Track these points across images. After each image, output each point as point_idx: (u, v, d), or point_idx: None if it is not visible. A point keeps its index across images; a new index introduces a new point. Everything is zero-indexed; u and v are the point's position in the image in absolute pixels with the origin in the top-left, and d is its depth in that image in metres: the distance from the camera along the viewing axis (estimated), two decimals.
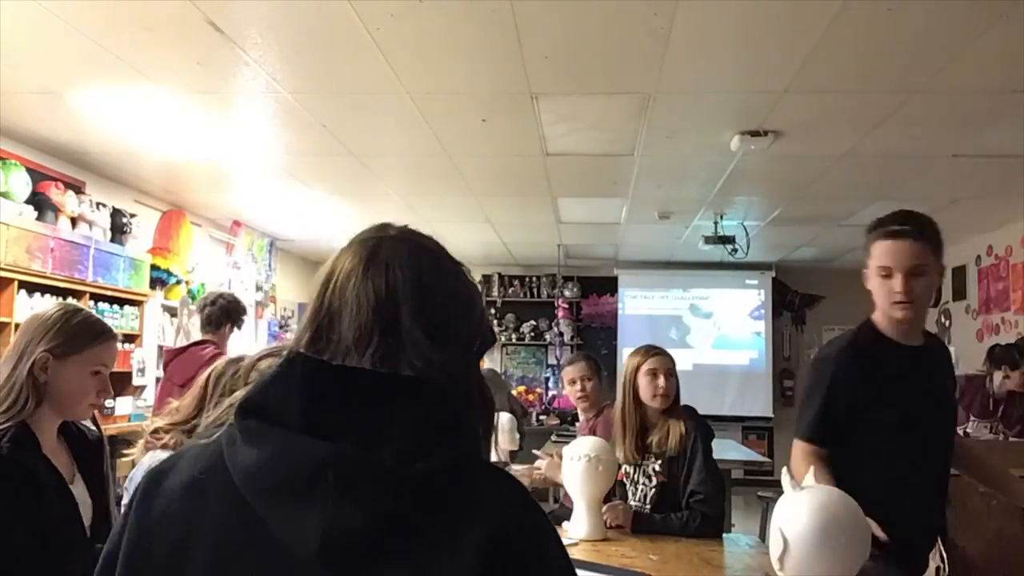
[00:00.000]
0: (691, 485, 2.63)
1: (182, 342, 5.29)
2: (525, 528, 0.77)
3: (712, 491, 2.59)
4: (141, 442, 2.01)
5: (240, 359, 1.93)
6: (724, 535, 2.60)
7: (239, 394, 0.79)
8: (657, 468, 2.69)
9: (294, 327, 8.83)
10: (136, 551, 0.79)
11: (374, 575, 0.71)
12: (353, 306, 0.80)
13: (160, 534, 0.78)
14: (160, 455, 1.85)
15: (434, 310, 0.82)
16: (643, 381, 2.76)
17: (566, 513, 2.77)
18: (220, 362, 2.04)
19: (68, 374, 1.71)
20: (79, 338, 1.73)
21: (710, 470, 2.64)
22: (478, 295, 0.91)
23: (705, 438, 2.71)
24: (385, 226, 0.88)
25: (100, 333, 1.77)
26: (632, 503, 2.72)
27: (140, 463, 1.98)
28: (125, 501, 2.03)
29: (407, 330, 0.79)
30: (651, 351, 2.84)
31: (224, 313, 3.62)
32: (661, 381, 2.74)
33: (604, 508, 2.59)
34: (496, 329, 9.35)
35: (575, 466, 2.51)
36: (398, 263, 0.82)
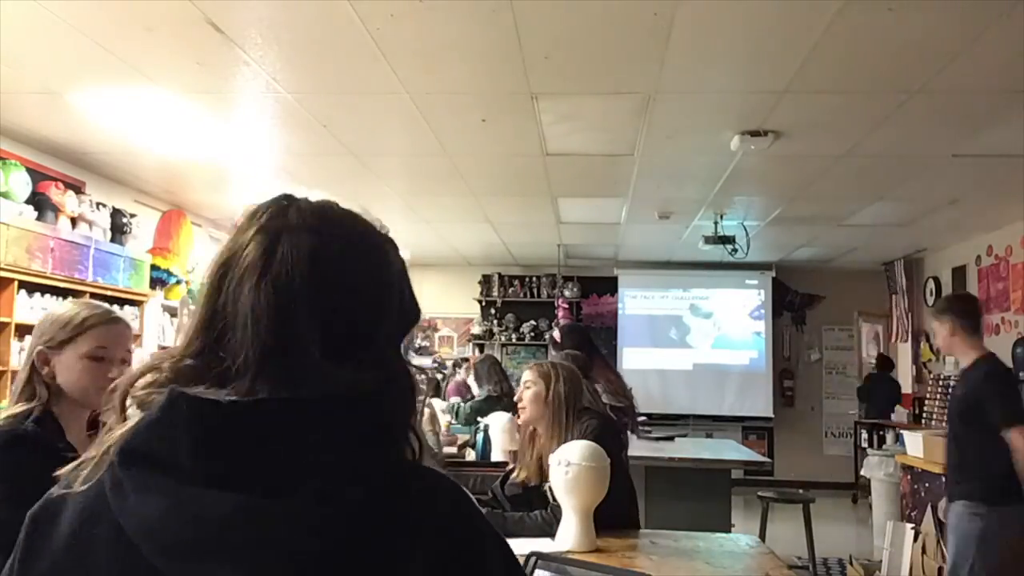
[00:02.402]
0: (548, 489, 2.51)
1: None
2: (466, 548, 0.70)
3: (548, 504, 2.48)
4: None
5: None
6: (724, 535, 2.59)
7: (116, 433, 0.68)
8: (523, 475, 2.66)
9: None
10: None
11: None
12: (247, 319, 0.68)
13: None
14: None
15: (342, 320, 0.71)
16: None
17: None
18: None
19: (67, 364, 1.73)
20: (69, 328, 1.75)
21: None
22: (397, 276, 0.78)
23: (592, 433, 2.56)
24: (286, 205, 0.75)
25: (88, 318, 1.77)
26: None
27: None
28: None
29: (308, 348, 0.69)
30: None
31: None
32: (517, 395, 2.72)
33: None
34: (496, 329, 9.35)
35: (559, 473, 2.32)
36: (298, 264, 0.70)
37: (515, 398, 2.79)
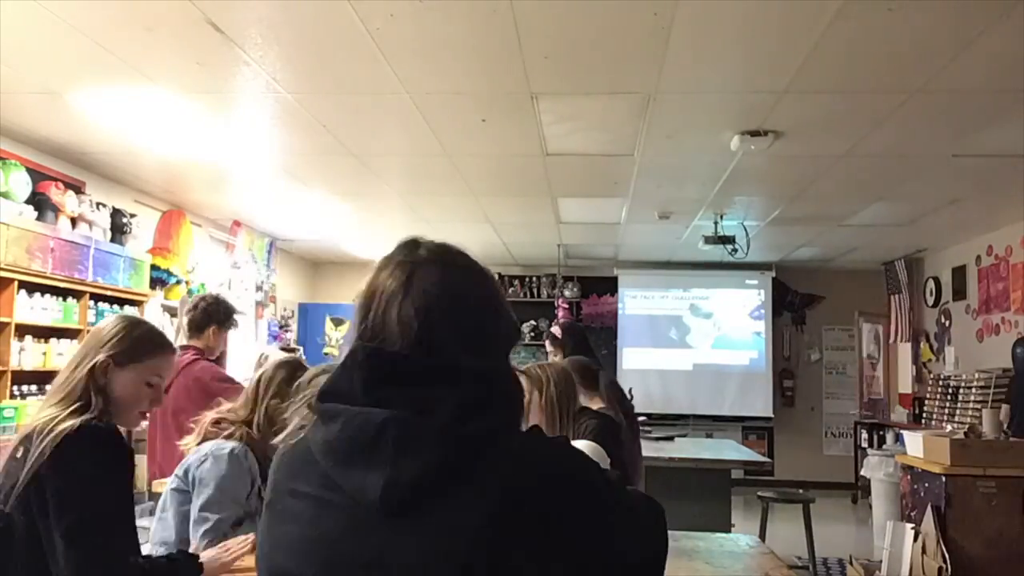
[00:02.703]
0: None
1: (182, 342, 5.29)
2: (549, 486, 0.88)
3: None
4: (196, 432, 2.24)
5: (288, 363, 2.29)
6: (724, 535, 2.59)
7: (311, 392, 0.98)
8: None
9: (294, 327, 8.84)
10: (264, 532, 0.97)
11: (420, 516, 0.84)
12: (395, 328, 0.93)
13: (275, 517, 0.96)
14: (223, 443, 2.17)
15: (466, 325, 0.96)
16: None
17: None
18: (268, 366, 2.29)
19: (126, 381, 1.76)
20: (141, 347, 1.80)
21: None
22: (501, 300, 1.04)
23: (590, 432, 2.57)
24: (416, 245, 1.00)
25: (161, 344, 1.85)
26: None
27: (198, 449, 2.18)
28: (173, 486, 2.16)
29: (443, 347, 0.93)
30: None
31: (205, 316, 3.60)
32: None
33: None
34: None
35: None
36: (432, 287, 0.95)
37: None
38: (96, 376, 1.72)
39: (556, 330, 4.40)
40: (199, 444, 2.21)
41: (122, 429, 1.76)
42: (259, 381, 2.25)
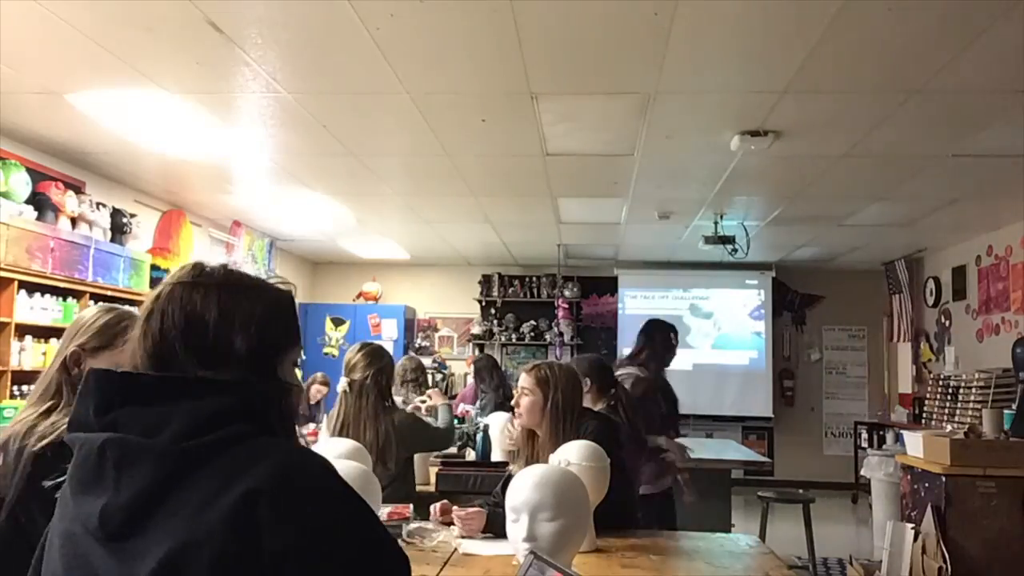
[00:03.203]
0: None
1: None
2: (284, 490, 0.86)
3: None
4: None
5: None
6: (724, 535, 2.59)
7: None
8: None
9: None
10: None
11: (135, 542, 0.84)
12: (139, 345, 0.98)
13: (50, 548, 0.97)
14: None
15: (203, 341, 0.97)
16: None
17: None
18: None
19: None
20: (111, 334, 1.75)
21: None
22: (262, 314, 1.02)
23: (593, 433, 2.54)
24: (197, 269, 1.04)
25: (128, 326, 1.77)
26: None
27: None
28: None
29: (181, 359, 0.96)
30: (524, 368, 2.74)
31: None
32: (514, 399, 2.69)
33: (459, 514, 2.48)
34: (496, 329, 9.35)
35: None
36: (171, 307, 0.99)
37: (512, 402, 2.74)
38: (68, 368, 1.68)
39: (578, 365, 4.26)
40: None
41: None
42: None
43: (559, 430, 2.56)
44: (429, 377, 7.23)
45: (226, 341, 0.98)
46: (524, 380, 2.67)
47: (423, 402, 3.95)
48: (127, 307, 1.95)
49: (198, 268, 1.04)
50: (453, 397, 7.71)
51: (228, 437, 0.89)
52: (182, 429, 0.87)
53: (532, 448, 2.67)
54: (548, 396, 2.59)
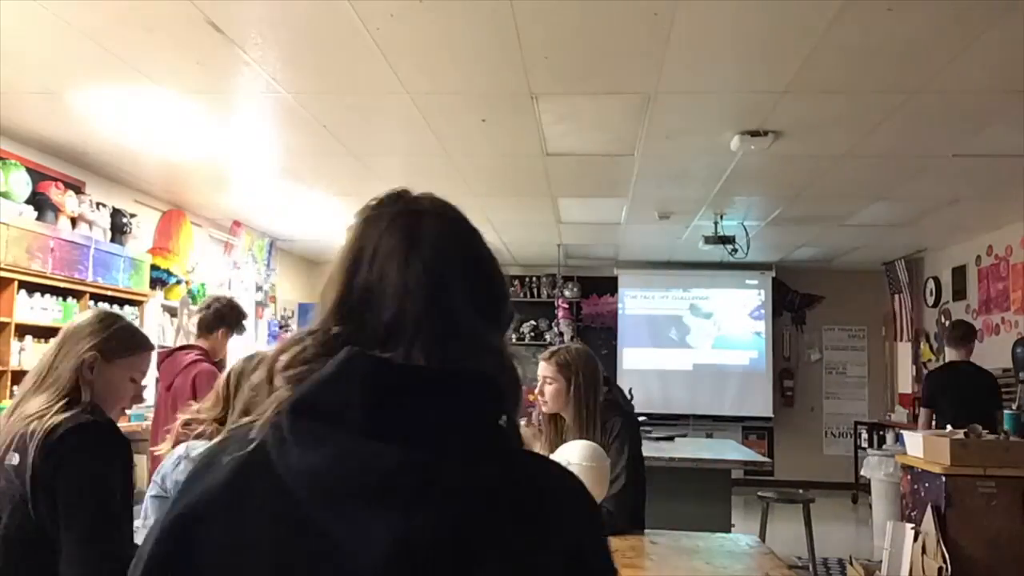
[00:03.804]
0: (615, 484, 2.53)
1: (182, 342, 5.29)
2: (597, 548, 0.76)
3: (621, 489, 2.51)
4: (170, 437, 2.12)
5: (255, 356, 2.09)
6: (724, 535, 2.59)
7: (283, 393, 0.74)
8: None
9: (294, 327, 8.83)
10: (177, 557, 0.73)
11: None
12: (399, 291, 0.75)
13: (204, 541, 0.72)
14: (196, 444, 2.02)
15: (485, 292, 0.79)
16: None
17: None
18: (238, 362, 2.15)
19: (112, 376, 1.76)
20: (125, 343, 1.79)
21: (622, 467, 2.54)
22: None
23: (622, 431, 2.61)
24: (406, 196, 0.83)
25: (142, 342, 1.85)
26: None
27: (172, 453, 2.11)
28: (152, 493, 2.10)
29: (462, 317, 0.76)
30: (542, 356, 2.75)
31: (217, 317, 3.57)
32: (540, 388, 2.69)
33: None
34: None
35: None
36: (446, 242, 0.79)
37: (537, 391, 2.73)
38: (84, 371, 1.71)
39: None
40: (173, 448, 2.14)
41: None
42: (228, 376, 2.15)
43: (584, 411, 2.60)
44: None
45: (503, 297, 0.82)
46: (545, 368, 2.68)
47: None
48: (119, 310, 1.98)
49: (434, 197, 0.84)
50: None
51: (518, 461, 0.76)
52: (473, 448, 0.71)
53: (556, 431, 2.70)
54: (571, 380, 2.63)
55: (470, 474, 0.69)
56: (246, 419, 0.77)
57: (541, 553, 0.70)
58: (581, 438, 2.57)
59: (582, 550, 0.74)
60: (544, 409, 2.71)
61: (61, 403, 1.66)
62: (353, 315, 0.76)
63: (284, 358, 0.75)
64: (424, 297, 0.75)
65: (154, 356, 2.24)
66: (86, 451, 1.60)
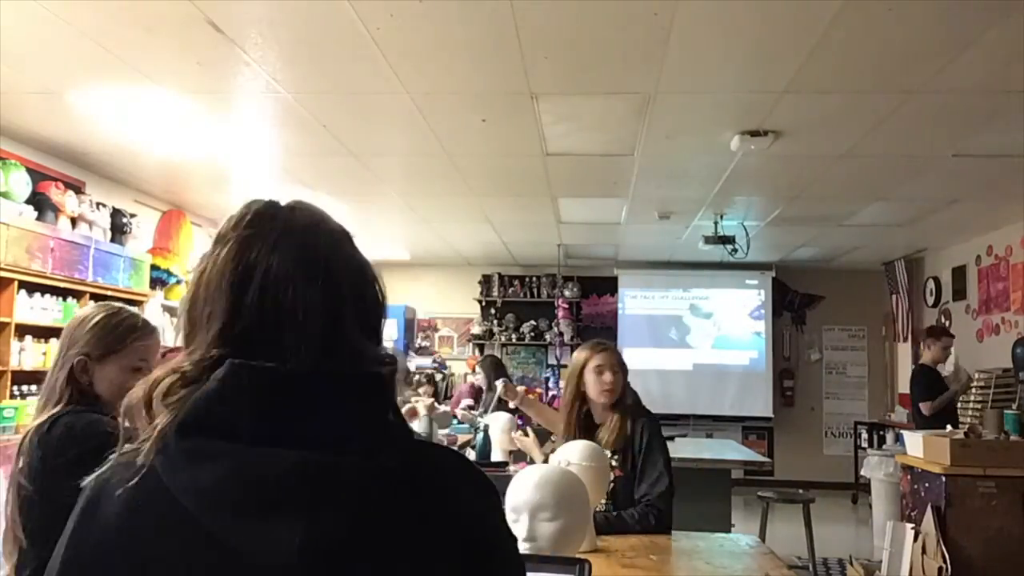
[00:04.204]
0: (646, 482, 2.59)
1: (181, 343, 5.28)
2: (498, 527, 0.79)
3: (666, 490, 2.57)
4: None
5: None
6: (724, 535, 2.59)
7: (163, 419, 0.73)
8: (613, 463, 2.66)
9: None
10: None
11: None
12: (298, 314, 0.75)
13: (101, 570, 0.73)
14: None
15: (366, 302, 0.81)
16: (590, 378, 2.75)
17: None
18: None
19: (108, 374, 1.74)
20: (114, 338, 1.76)
21: (663, 466, 2.61)
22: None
23: (655, 432, 2.69)
24: (282, 211, 0.82)
25: (133, 329, 1.79)
26: None
27: None
28: None
29: (348, 330, 0.78)
30: (598, 347, 2.81)
31: None
32: (607, 377, 2.72)
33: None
34: (496, 329, 9.35)
35: None
36: (338, 260, 0.80)
37: (606, 381, 2.75)
38: (76, 377, 1.70)
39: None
40: None
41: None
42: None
43: (623, 407, 2.74)
44: (426, 376, 7.23)
45: (382, 301, 0.84)
46: (611, 359, 2.77)
47: (415, 401, 3.95)
48: (125, 305, 1.95)
49: (304, 204, 0.84)
50: (448, 398, 7.72)
51: (415, 448, 0.77)
52: (368, 444, 0.72)
53: (577, 428, 2.76)
54: (626, 374, 2.81)
55: (369, 468, 0.70)
56: (129, 446, 0.76)
57: (443, 533, 0.72)
58: (615, 435, 2.64)
59: (482, 524, 0.77)
60: (606, 400, 2.74)
61: (55, 410, 1.67)
62: (241, 339, 0.75)
63: (164, 384, 0.74)
64: (323, 318, 0.76)
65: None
66: (70, 438, 1.60)
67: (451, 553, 0.72)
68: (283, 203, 0.84)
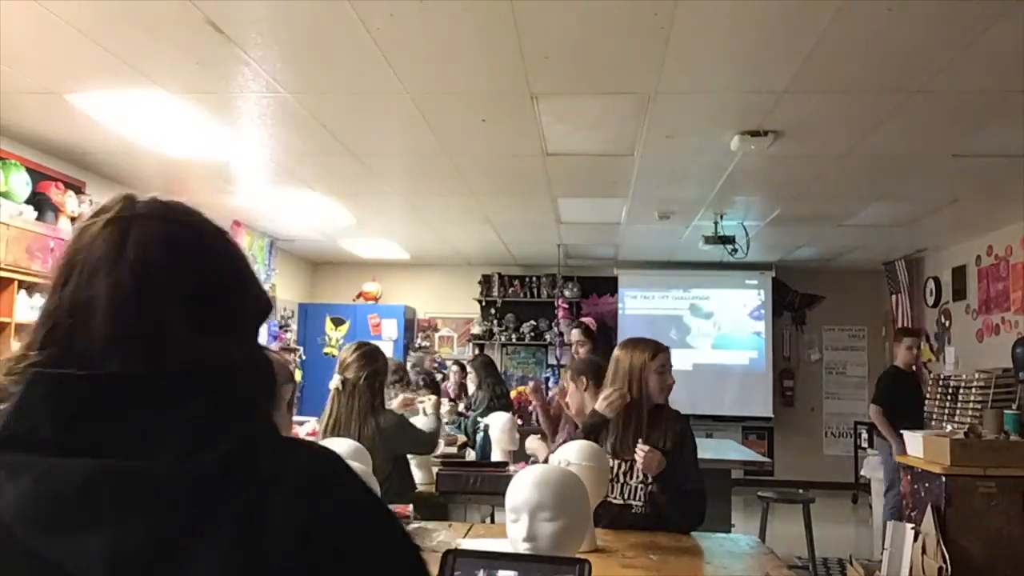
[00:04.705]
0: (687, 478, 2.66)
1: None
2: (334, 506, 0.71)
3: (702, 487, 2.70)
4: None
5: None
6: (724, 535, 2.60)
7: None
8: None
9: (294, 327, 8.84)
10: None
11: None
12: (105, 302, 0.71)
13: None
14: None
15: (203, 297, 0.75)
16: (654, 378, 2.74)
17: None
18: None
19: None
20: None
21: (697, 465, 2.74)
22: (247, 266, 0.84)
23: (691, 435, 2.79)
24: (131, 199, 0.78)
25: None
26: (614, 499, 2.65)
27: None
28: None
29: (171, 325, 0.72)
30: (660, 348, 2.82)
31: None
32: (668, 379, 2.78)
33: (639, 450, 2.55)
34: (496, 329, 9.35)
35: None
36: (154, 246, 0.74)
37: (671, 382, 2.80)
38: None
39: (590, 322, 4.48)
40: None
41: None
42: None
43: (636, 412, 2.76)
44: (432, 379, 7.22)
45: (238, 297, 0.80)
46: (669, 358, 2.83)
47: (420, 402, 3.96)
48: None
49: (157, 200, 0.80)
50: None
51: (242, 444, 0.71)
52: (181, 444, 0.68)
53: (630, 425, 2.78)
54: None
55: (178, 472, 0.66)
56: None
57: (266, 535, 0.66)
58: (654, 433, 2.68)
59: (320, 518, 0.69)
60: (661, 400, 2.79)
61: None
62: (57, 336, 0.72)
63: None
64: (132, 308, 0.71)
65: None
66: None
67: (273, 559, 0.66)
68: (138, 198, 0.79)
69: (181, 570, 0.64)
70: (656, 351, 2.79)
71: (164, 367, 0.70)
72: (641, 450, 2.55)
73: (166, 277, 0.73)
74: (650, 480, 2.63)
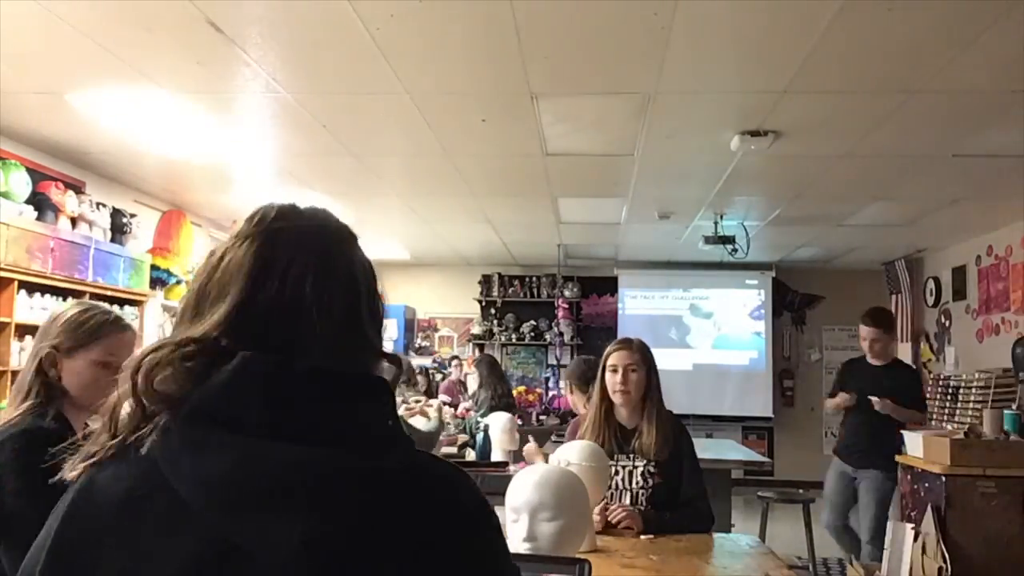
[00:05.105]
0: (690, 486, 2.66)
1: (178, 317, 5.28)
2: (494, 539, 0.78)
3: (704, 491, 2.68)
4: None
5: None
6: (724, 535, 2.60)
7: (161, 407, 0.73)
8: (652, 469, 2.67)
9: None
10: None
11: None
12: (316, 306, 0.77)
13: (91, 563, 0.71)
14: None
15: (375, 301, 0.84)
16: (607, 376, 2.75)
17: None
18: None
19: (76, 368, 1.73)
20: (84, 333, 1.75)
21: (699, 470, 2.72)
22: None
23: (689, 439, 2.77)
24: (310, 209, 0.87)
25: (102, 325, 1.78)
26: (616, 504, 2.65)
27: None
28: None
29: (368, 331, 0.81)
30: (617, 345, 2.79)
31: None
32: (619, 377, 2.71)
33: (614, 509, 2.54)
34: (496, 329, 9.35)
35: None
36: (352, 256, 0.84)
37: (619, 381, 2.75)
38: (44, 369, 1.69)
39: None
40: None
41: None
42: None
43: (651, 404, 2.75)
44: (427, 376, 7.24)
45: (382, 305, 0.88)
46: (622, 356, 2.75)
47: (416, 402, 3.96)
48: (100, 303, 1.94)
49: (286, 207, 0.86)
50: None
51: (412, 454, 0.76)
52: (369, 445, 0.72)
53: (606, 428, 2.74)
54: (650, 369, 2.82)
55: (371, 469, 0.70)
56: (109, 438, 0.76)
57: (440, 540, 0.71)
58: (653, 435, 2.67)
59: (479, 534, 0.75)
60: (619, 401, 2.73)
61: (20, 409, 1.65)
62: (247, 329, 0.76)
63: (160, 354, 0.74)
64: (342, 315, 0.79)
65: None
66: (18, 460, 1.56)
67: (448, 559, 0.71)
68: (301, 206, 0.87)
69: (367, 564, 0.67)
70: (612, 349, 2.77)
71: (356, 367, 0.78)
72: (624, 509, 2.53)
73: (361, 283, 0.83)
74: (651, 485, 2.63)
